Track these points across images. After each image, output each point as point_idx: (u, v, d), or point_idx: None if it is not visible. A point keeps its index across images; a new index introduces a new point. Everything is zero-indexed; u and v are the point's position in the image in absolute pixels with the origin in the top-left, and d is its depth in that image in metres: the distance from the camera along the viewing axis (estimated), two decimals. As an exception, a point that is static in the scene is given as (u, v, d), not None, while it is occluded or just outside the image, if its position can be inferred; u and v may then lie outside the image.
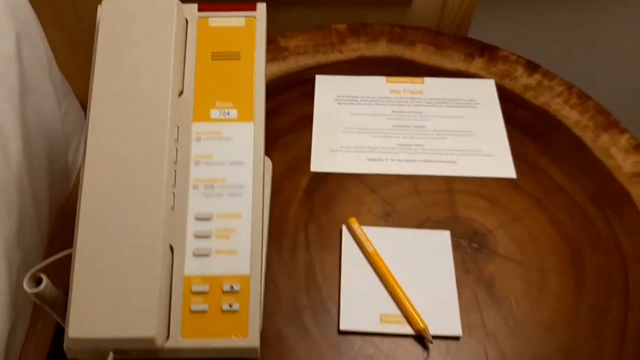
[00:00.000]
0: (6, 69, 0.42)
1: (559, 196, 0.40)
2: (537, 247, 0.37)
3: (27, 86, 0.45)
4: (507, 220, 0.39)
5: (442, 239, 0.37)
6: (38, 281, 0.30)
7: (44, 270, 0.30)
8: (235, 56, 0.33)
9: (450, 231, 0.38)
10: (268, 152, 0.41)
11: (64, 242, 0.32)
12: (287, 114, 0.44)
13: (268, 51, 0.49)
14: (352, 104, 0.45)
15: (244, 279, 0.30)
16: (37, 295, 0.31)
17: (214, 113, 0.32)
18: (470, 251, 0.37)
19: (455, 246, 0.37)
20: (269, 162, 0.40)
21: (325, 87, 0.46)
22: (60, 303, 0.32)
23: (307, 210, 0.39)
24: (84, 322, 0.28)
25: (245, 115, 0.32)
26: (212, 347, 0.29)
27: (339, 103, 0.45)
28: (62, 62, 0.52)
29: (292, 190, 0.40)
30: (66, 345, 0.29)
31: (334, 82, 0.47)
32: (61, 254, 0.33)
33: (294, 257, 0.37)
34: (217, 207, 0.31)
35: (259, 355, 0.30)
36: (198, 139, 0.32)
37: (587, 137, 0.44)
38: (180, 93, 0.32)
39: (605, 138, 0.43)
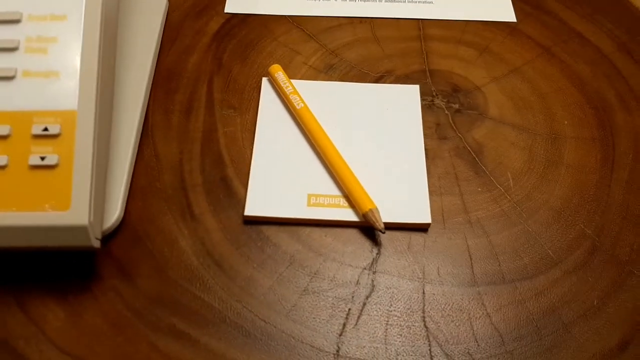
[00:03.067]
0: None
1: (575, 44, 0.28)
2: (546, 106, 0.26)
3: None
4: (501, 74, 0.27)
5: (407, 95, 0.26)
6: None
7: None
8: None
9: (421, 88, 0.26)
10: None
11: None
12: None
13: None
14: None
15: (68, 116, 0.18)
16: None
17: None
18: (449, 112, 0.25)
19: (427, 106, 0.26)
20: (159, -7, 0.28)
21: None
22: None
23: (215, 60, 0.27)
24: None
25: None
26: (11, 225, 0.18)
27: None
28: None
29: (196, 35, 0.28)
30: None
31: None
32: None
33: (187, 120, 0.25)
34: (28, 2, 0.19)
35: (92, 241, 0.18)
36: None
37: (615, -25, 0.32)
38: None
39: (639, -22, 0.32)
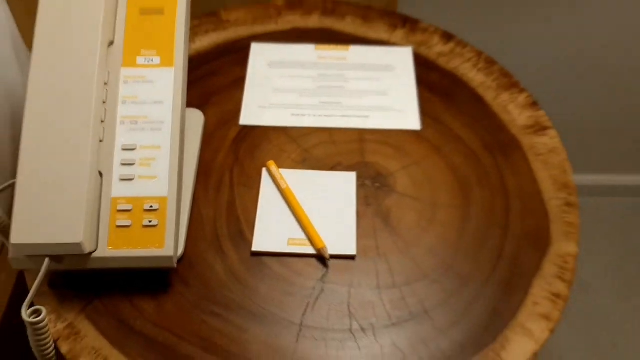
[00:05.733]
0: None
1: (456, 144, 0.46)
2: (432, 186, 0.43)
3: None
4: (408, 164, 0.44)
5: (348, 179, 0.43)
6: None
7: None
8: (159, 11, 0.38)
9: (358, 173, 0.43)
10: (202, 107, 0.47)
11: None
12: (223, 76, 0.50)
13: (208, 23, 0.54)
14: (282, 68, 0.50)
15: (163, 200, 0.35)
16: None
17: (140, 60, 0.37)
18: (373, 189, 0.42)
19: (360, 186, 0.43)
20: (200, 115, 0.46)
21: (260, 53, 0.51)
22: (6, 226, 0.37)
23: (234, 156, 0.44)
24: (23, 231, 0.33)
25: (166, 62, 0.37)
26: (134, 256, 0.34)
27: (270, 67, 0.50)
28: (25, 33, 0.57)
29: (222, 140, 0.45)
30: (10, 253, 0.34)
31: (268, 49, 0.52)
32: (7, 184, 0.38)
33: (218, 194, 0.42)
34: (140, 139, 0.36)
35: (174, 264, 0.35)
36: (126, 82, 0.37)
37: (489, 96, 0.49)
38: (111, 43, 0.37)
39: (505, 96, 0.49)
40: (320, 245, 0.38)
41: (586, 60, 0.77)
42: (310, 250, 0.39)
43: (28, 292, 0.34)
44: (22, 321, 0.33)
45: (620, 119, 0.87)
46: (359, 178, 0.43)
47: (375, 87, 0.49)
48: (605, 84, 0.81)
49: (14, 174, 0.53)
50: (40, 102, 0.35)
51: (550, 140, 0.46)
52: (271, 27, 0.54)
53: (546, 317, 0.37)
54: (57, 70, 0.35)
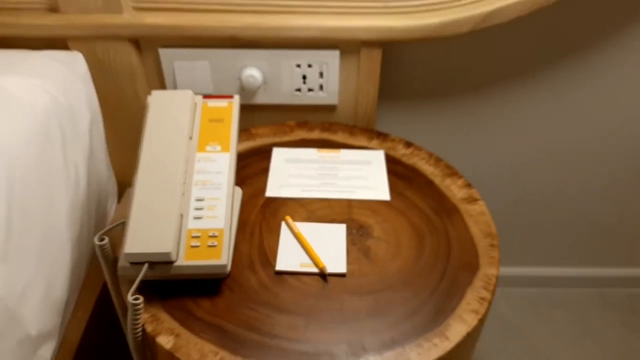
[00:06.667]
0: (85, 139, 0.71)
1: (414, 209, 0.66)
2: (397, 234, 0.62)
3: (93, 152, 0.73)
4: (381, 221, 0.64)
5: (340, 228, 0.62)
6: (101, 239, 0.55)
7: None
8: (221, 120, 0.61)
9: (347, 225, 0.63)
10: (240, 185, 0.68)
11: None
12: (253, 167, 0.72)
13: (243, 136, 0.78)
14: (294, 163, 0.73)
15: (220, 230, 0.55)
16: (100, 247, 0.55)
17: (208, 148, 0.59)
18: (357, 235, 0.62)
19: (349, 233, 0.62)
20: (240, 190, 0.67)
21: (278, 154, 0.74)
22: (109, 259, 0.56)
23: (262, 215, 0.65)
24: (133, 245, 0.52)
25: (224, 149, 0.59)
26: (201, 264, 0.53)
27: (286, 162, 0.73)
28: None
29: (254, 206, 0.66)
30: (120, 262, 0.53)
31: (284, 151, 0.75)
32: (117, 223, 0.58)
33: (252, 237, 0.61)
34: (207, 194, 0.57)
35: (227, 270, 0.54)
36: (199, 161, 0.59)
37: (437, 180, 0.71)
38: (191, 138, 0.60)
39: (448, 181, 0.71)
40: (321, 266, 0.57)
41: (514, 164, 1.01)
42: (315, 269, 0.57)
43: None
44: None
45: (552, 216, 1.08)
46: (347, 228, 0.63)
47: (358, 175, 0.71)
48: (537, 179, 1.04)
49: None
50: (148, 170, 0.56)
51: (479, 207, 0.67)
52: (286, 138, 0.78)
53: (475, 312, 0.54)
54: (160, 151, 0.57)
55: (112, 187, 0.84)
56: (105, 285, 0.73)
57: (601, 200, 1.07)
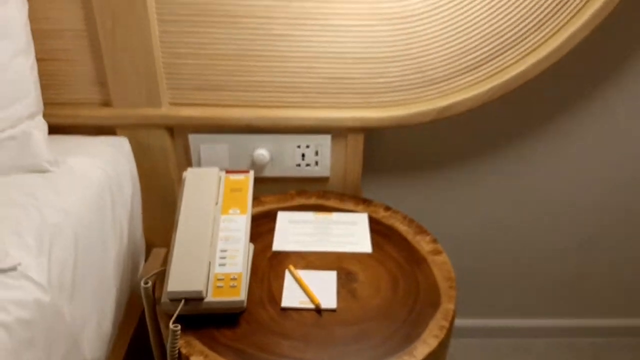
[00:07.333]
0: (127, 205, 0.89)
1: (391, 259, 0.83)
2: (377, 278, 0.79)
3: (133, 215, 0.91)
4: (364, 268, 0.81)
5: (331, 274, 0.79)
6: (146, 283, 0.72)
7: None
8: (239, 190, 0.79)
9: (337, 272, 0.80)
10: (252, 241, 0.85)
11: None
12: (262, 227, 0.89)
13: (254, 202, 0.96)
14: (296, 223, 0.90)
15: (239, 274, 0.72)
16: (145, 289, 0.72)
17: (230, 211, 0.77)
18: (346, 280, 0.79)
19: (339, 278, 0.79)
20: (252, 245, 0.84)
21: (283, 217, 0.92)
22: (150, 299, 0.73)
23: (269, 264, 0.81)
24: (173, 285, 0.69)
25: (243, 212, 0.77)
26: (225, 300, 0.69)
27: (289, 223, 0.90)
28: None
29: (263, 258, 0.83)
30: (162, 299, 0.69)
31: (287, 215, 0.92)
32: (158, 270, 0.74)
33: (262, 282, 0.78)
34: (229, 246, 0.74)
35: (244, 306, 0.70)
36: (223, 221, 0.76)
37: (410, 237, 0.88)
38: (217, 203, 0.78)
39: (419, 237, 0.88)
40: (317, 302, 0.73)
41: (481, 223, 1.19)
42: (312, 306, 0.73)
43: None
44: None
45: (523, 270, 1.25)
46: (338, 274, 0.79)
47: (346, 232, 0.88)
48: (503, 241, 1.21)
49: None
50: (185, 227, 0.74)
51: (442, 258, 0.84)
52: (288, 204, 0.96)
53: (436, 336, 0.70)
54: (194, 213, 0.75)
55: (142, 246, 1.01)
56: (138, 322, 0.89)
57: (564, 256, 1.24)
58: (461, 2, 0.84)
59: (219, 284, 0.71)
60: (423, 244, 0.87)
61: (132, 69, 0.88)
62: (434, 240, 0.87)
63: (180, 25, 0.86)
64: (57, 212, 0.71)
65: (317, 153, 0.98)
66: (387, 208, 0.95)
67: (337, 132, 0.96)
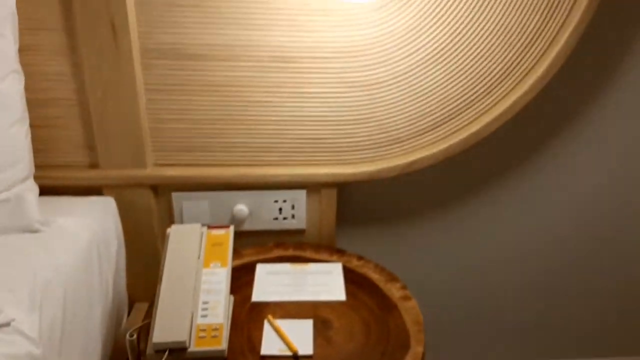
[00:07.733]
0: (113, 261, 0.94)
1: (364, 307, 0.88)
2: (351, 325, 0.84)
3: (118, 271, 0.95)
4: (339, 315, 0.86)
5: (308, 323, 0.84)
6: (131, 335, 0.76)
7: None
8: (220, 244, 0.85)
9: (313, 320, 0.85)
10: (233, 293, 0.90)
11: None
12: (242, 279, 0.94)
13: (235, 255, 1.01)
14: (274, 274, 0.96)
15: (221, 325, 0.76)
16: (130, 342, 0.76)
17: (211, 265, 0.83)
18: (322, 328, 0.84)
19: (314, 326, 0.84)
20: (232, 297, 0.88)
21: (261, 268, 0.97)
22: (135, 351, 0.77)
23: (249, 315, 0.86)
24: (158, 336, 0.73)
25: (223, 265, 0.83)
26: (207, 350, 0.74)
27: (267, 274, 0.96)
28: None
29: (243, 308, 0.87)
30: (148, 351, 0.73)
31: (266, 266, 0.98)
32: (142, 324, 0.79)
33: (242, 331, 0.82)
34: (211, 298, 0.79)
35: (225, 354, 0.74)
36: (205, 274, 0.81)
37: (381, 284, 0.94)
38: (199, 257, 0.83)
39: (390, 285, 0.94)
40: (294, 350, 0.78)
41: (447, 271, 1.25)
42: (290, 353, 0.78)
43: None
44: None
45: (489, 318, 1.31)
46: (314, 322, 0.84)
47: (322, 282, 0.94)
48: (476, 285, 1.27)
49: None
50: (169, 281, 0.79)
51: (412, 303, 0.90)
52: (266, 256, 1.01)
53: (406, 378, 0.75)
54: (178, 268, 0.80)
55: (125, 300, 1.04)
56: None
57: (524, 300, 1.30)
58: (419, 72, 0.94)
59: (202, 334, 0.75)
60: (394, 291, 0.93)
61: (120, 134, 0.95)
62: (404, 287, 0.93)
63: (166, 93, 0.94)
64: (48, 270, 0.75)
65: (293, 207, 1.05)
66: (360, 257, 1.01)
67: (312, 187, 1.04)
